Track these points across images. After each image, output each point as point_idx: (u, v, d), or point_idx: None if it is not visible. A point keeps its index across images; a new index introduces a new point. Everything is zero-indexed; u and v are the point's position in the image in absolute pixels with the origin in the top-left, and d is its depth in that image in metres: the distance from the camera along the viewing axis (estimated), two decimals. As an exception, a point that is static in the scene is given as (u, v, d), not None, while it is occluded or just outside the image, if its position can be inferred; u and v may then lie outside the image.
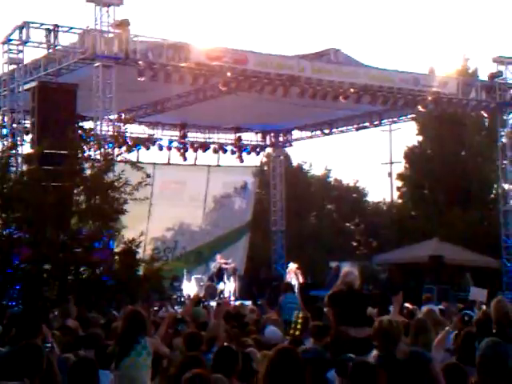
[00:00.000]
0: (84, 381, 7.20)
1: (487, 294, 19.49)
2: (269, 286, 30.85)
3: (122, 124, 26.33)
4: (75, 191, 22.72)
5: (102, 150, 23.70)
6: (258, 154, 38.82)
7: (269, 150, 40.48)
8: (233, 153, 37.26)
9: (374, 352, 7.95)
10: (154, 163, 34.85)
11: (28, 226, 21.49)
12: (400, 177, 46.73)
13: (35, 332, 7.87)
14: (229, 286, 30.62)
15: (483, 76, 35.04)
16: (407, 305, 17.48)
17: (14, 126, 25.41)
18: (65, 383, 7.34)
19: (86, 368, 7.35)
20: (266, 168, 43.82)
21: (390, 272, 37.19)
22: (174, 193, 36.15)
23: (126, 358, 8.50)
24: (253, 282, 33.23)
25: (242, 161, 37.68)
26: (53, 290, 20.74)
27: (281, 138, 39.49)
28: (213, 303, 22.92)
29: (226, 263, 31.21)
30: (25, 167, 23.70)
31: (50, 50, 25.06)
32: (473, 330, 9.59)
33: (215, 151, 36.98)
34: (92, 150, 23.99)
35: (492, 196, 41.27)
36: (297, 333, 7.21)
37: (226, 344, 8.44)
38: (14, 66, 25.39)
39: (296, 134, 39.17)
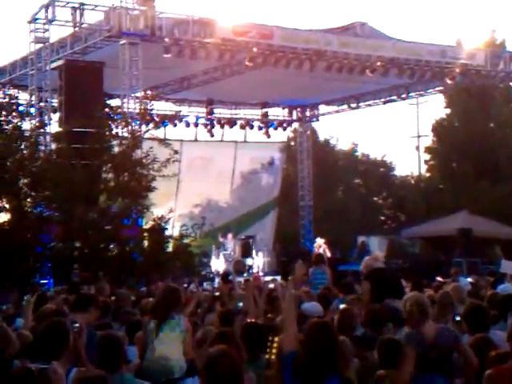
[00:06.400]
0: (111, 356, 7.25)
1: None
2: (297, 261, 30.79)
3: (148, 101, 26.41)
4: (103, 169, 22.89)
5: (130, 127, 23.82)
6: (284, 129, 38.72)
7: (295, 125, 40.39)
8: (260, 128, 37.20)
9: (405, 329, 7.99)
10: (182, 140, 34.88)
11: (57, 204, 21.66)
12: (428, 150, 46.46)
13: (87, 306, 8.27)
14: (257, 261, 30.63)
15: (511, 47, 34.71)
16: (438, 278, 17.46)
17: (42, 104, 25.55)
18: (94, 359, 7.39)
19: (113, 344, 7.41)
20: (292, 143, 43.73)
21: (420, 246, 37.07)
22: (202, 169, 36.19)
23: (160, 332, 8.61)
24: (281, 257, 33.23)
25: (268, 136, 37.60)
26: (83, 267, 20.91)
27: (307, 113, 39.36)
28: (241, 279, 22.98)
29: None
30: (53, 146, 23.86)
31: (76, 29, 25.13)
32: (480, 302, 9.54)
33: (242, 127, 36.94)
34: (119, 127, 24.13)
35: (521, 168, 40.89)
36: (272, 356, 7.21)
37: (251, 320, 8.54)
38: (41, 45, 25.50)
39: (323, 108, 39.03)
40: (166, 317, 8.72)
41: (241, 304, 10.35)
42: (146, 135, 24.29)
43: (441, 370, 7.48)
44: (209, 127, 35.85)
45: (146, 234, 22.96)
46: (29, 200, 22.27)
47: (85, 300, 8.96)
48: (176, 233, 25.37)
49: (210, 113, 35.65)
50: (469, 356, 7.63)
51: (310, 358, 6.53)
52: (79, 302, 8.91)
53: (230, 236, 31.02)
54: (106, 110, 24.97)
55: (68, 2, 24.25)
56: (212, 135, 36.26)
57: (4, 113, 23.19)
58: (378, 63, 28.42)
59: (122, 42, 24.53)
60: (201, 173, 35.91)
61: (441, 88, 34.99)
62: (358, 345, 8.10)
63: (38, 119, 24.82)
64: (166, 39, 24.84)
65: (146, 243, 22.93)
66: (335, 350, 6.64)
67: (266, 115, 37.26)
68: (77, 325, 7.23)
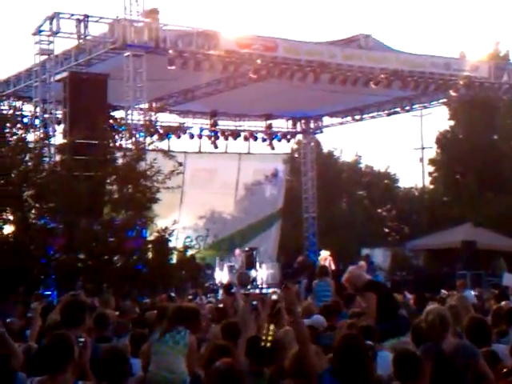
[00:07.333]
0: (115, 369, 7.23)
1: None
2: (303, 273, 30.76)
3: (152, 113, 26.43)
4: (108, 181, 22.90)
5: (134, 139, 23.85)
6: (288, 141, 38.73)
7: (299, 136, 40.38)
8: (263, 140, 37.18)
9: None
10: (185, 152, 34.92)
11: (61, 216, 21.67)
12: (432, 162, 46.49)
13: (79, 321, 8.01)
14: (261, 273, 30.58)
15: (515, 59, 34.67)
16: (443, 291, 17.43)
17: (46, 116, 25.56)
18: (97, 372, 7.35)
19: (117, 357, 7.38)
20: (296, 155, 43.75)
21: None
22: (206, 181, 36.19)
23: (163, 345, 8.61)
24: (285, 269, 33.17)
25: (272, 148, 37.60)
26: (87, 279, 20.90)
27: (311, 125, 39.34)
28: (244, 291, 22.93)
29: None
30: (57, 157, 23.88)
31: (81, 41, 25.16)
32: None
33: (246, 139, 36.93)
34: (123, 139, 24.18)
35: (525, 180, 40.85)
36: (268, 344, 7.25)
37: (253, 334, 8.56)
38: (45, 57, 25.52)
39: (326, 120, 39.00)
40: (169, 328, 8.73)
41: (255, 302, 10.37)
42: (150, 147, 24.29)
43: None
44: (213, 139, 35.85)
45: (150, 246, 22.96)
46: (33, 212, 22.29)
47: (76, 314, 8.19)
48: (180, 244, 25.35)
49: (214, 124, 35.67)
50: (486, 372, 7.56)
51: (356, 371, 6.55)
52: (71, 318, 8.13)
53: (237, 252, 30.97)
54: (110, 121, 25.02)
55: (72, 14, 24.29)
56: (216, 147, 36.25)
57: (8, 124, 23.24)
58: (382, 75, 28.43)
59: (127, 53, 24.58)
60: (205, 184, 35.91)
61: (445, 100, 34.98)
62: None
63: (42, 131, 24.83)
64: (170, 51, 24.88)
65: (150, 255, 22.92)
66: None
67: (269, 127, 37.28)
68: (82, 339, 7.19)
